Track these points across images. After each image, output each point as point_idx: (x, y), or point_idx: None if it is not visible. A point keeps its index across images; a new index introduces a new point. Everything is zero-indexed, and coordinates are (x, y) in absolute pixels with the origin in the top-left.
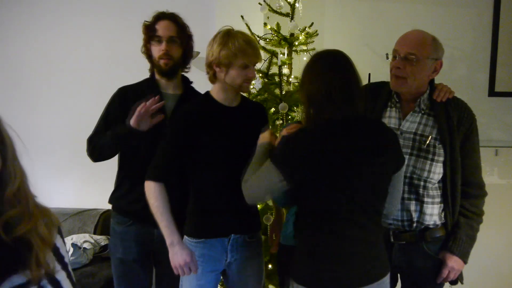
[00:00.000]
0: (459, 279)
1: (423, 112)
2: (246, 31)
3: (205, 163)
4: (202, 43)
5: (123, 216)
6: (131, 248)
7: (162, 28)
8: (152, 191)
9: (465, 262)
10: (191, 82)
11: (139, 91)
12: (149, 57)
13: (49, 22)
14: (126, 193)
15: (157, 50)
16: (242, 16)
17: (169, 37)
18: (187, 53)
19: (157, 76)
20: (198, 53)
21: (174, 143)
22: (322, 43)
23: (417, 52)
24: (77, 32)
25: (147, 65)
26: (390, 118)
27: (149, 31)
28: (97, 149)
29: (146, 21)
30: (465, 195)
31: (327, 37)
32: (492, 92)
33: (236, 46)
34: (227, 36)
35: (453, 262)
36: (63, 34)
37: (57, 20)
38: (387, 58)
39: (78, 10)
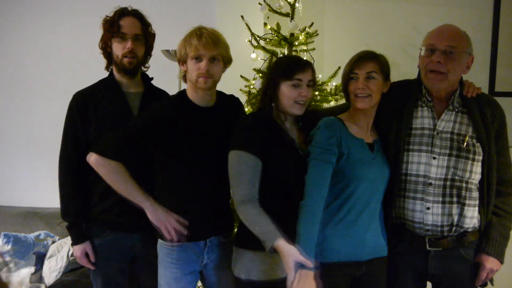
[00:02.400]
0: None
1: (457, 109)
2: (246, 31)
3: (176, 164)
4: None
5: (98, 227)
6: (112, 259)
7: (127, 25)
8: (106, 167)
9: (501, 262)
10: (151, 79)
11: (98, 93)
12: (107, 54)
13: (50, 22)
14: (98, 201)
15: (120, 47)
16: (242, 16)
17: (134, 35)
18: (148, 52)
19: (117, 76)
20: None
21: (138, 131)
22: (322, 43)
23: (457, 44)
24: (77, 32)
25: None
26: (423, 118)
27: (112, 27)
28: (60, 192)
29: (108, 16)
30: (497, 194)
31: (327, 37)
32: (492, 92)
33: (186, 39)
34: (188, 32)
35: (490, 263)
36: (64, 34)
37: (57, 20)
38: (421, 53)
39: (79, 10)
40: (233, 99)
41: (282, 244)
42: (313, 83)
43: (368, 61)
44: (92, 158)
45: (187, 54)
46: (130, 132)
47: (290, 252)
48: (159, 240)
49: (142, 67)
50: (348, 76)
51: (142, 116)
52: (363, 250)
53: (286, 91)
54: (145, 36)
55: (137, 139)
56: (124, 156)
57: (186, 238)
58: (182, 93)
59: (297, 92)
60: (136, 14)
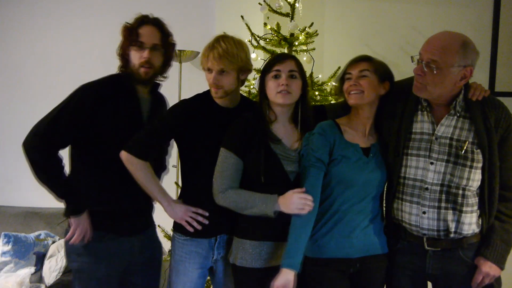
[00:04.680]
0: (495, 285)
1: (458, 114)
2: (246, 31)
3: (193, 162)
4: (202, 43)
5: (97, 229)
6: (113, 264)
7: (146, 34)
8: (135, 165)
9: (501, 268)
10: (159, 85)
11: (111, 92)
12: (125, 61)
13: (50, 23)
14: (99, 202)
15: (137, 56)
16: (242, 16)
17: (152, 45)
18: (168, 62)
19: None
20: (198, 53)
21: (163, 126)
22: (322, 43)
23: (439, 59)
24: (77, 32)
25: None
26: (423, 123)
27: (131, 35)
28: (40, 166)
29: (128, 23)
30: (501, 199)
31: (327, 37)
32: (492, 92)
33: (203, 49)
34: (208, 42)
35: (487, 267)
36: (64, 34)
37: (57, 21)
38: (412, 61)
39: (79, 11)
40: (253, 103)
41: (281, 199)
42: (301, 76)
43: (361, 61)
44: (123, 155)
45: (203, 65)
46: (156, 129)
47: (291, 200)
48: (173, 234)
49: (160, 77)
50: (343, 77)
51: (166, 113)
52: (351, 248)
53: (269, 83)
54: (164, 47)
55: (162, 135)
56: (151, 154)
57: (205, 227)
58: (208, 93)
59: (277, 82)
60: (157, 23)
